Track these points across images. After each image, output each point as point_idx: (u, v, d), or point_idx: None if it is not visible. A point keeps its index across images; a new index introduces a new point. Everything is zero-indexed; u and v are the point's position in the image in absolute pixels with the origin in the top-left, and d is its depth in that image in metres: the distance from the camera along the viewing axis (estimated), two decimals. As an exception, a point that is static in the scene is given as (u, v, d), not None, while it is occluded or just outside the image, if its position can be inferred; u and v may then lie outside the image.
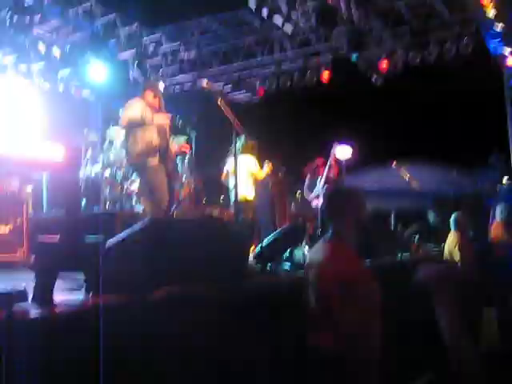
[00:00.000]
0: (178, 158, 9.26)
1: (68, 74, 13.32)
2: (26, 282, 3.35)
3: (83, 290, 3.59)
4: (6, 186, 8.66)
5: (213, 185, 11.47)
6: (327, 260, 3.76)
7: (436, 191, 12.16)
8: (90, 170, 10.27)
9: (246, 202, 9.23)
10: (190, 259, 3.89)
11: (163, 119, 6.83)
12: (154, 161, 6.64)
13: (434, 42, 12.83)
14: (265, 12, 10.88)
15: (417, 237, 8.96)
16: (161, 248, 3.75)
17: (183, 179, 10.02)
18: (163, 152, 6.76)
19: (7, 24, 11.06)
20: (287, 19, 11.36)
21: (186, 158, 10.54)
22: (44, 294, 3.14)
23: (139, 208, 9.18)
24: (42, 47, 12.21)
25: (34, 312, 2.87)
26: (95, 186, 10.15)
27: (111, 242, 4.03)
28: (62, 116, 12.79)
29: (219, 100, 6.38)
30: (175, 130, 9.34)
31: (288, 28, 11.73)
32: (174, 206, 6.19)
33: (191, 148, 9.44)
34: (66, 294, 3.52)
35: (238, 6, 12.25)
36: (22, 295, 2.93)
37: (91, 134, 11.22)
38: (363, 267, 3.89)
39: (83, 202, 9.91)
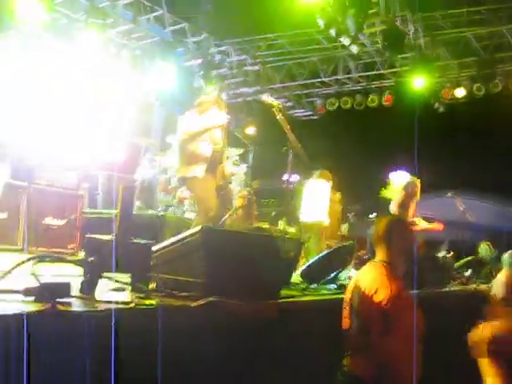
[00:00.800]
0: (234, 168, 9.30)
1: (135, 77, 13.57)
2: (74, 276, 3.43)
3: (129, 290, 3.65)
4: (64, 182, 8.89)
5: (268, 198, 11.52)
6: (372, 285, 3.74)
7: (491, 225, 11.93)
8: (146, 173, 10.44)
9: (312, 224, 9.51)
10: (237, 270, 3.92)
11: (220, 119, 6.71)
12: (199, 171, 6.60)
13: (500, 74, 12.65)
14: (333, 32, 10.87)
15: (468, 270, 8.79)
16: (209, 257, 3.79)
17: (237, 190, 10.07)
18: (212, 164, 6.70)
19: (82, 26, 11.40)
20: (354, 40, 11.33)
21: (243, 169, 10.64)
22: (88, 290, 3.21)
23: (191, 215, 9.30)
24: (112, 50, 12.48)
25: (76, 307, 2.93)
26: (150, 189, 10.32)
27: (161, 246, 4.09)
28: (125, 118, 13.06)
29: (278, 115, 6.41)
30: (233, 142, 9.44)
31: (354, 49, 11.70)
32: (226, 216, 6.21)
33: (246, 160, 9.54)
34: (111, 293, 3.58)
35: (307, 25, 12.29)
36: (65, 289, 2.99)
37: (152, 138, 11.44)
38: (408, 296, 3.84)
39: (137, 203, 10.07)
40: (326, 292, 5.29)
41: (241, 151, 10.42)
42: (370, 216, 14.96)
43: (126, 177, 10.94)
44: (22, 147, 10.16)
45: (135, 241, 3.79)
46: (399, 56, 12.45)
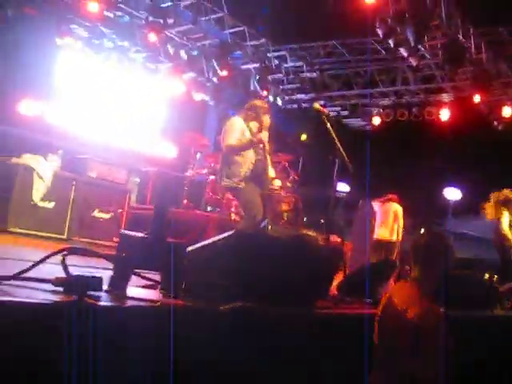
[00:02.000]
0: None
1: (191, 77, 13.72)
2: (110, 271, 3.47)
3: (158, 289, 3.67)
4: (114, 176, 9.08)
5: (315, 206, 11.44)
6: (403, 303, 3.66)
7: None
8: (196, 173, 10.53)
9: (383, 241, 10.74)
10: (270, 276, 3.89)
11: (261, 139, 6.65)
12: (242, 183, 6.53)
13: None
14: (392, 42, 10.75)
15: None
16: (240, 261, 3.78)
17: (283, 195, 10.01)
18: (255, 173, 6.60)
19: (143, 23, 11.62)
20: (413, 52, 11.16)
21: (291, 175, 10.61)
22: (118, 286, 3.24)
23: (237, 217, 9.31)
24: (171, 49, 12.68)
25: (104, 302, 2.96)
26: (199, 188, 10.40)
27: (195, 246, 4.09)
28: (179, 117, 13.23)
29: (327, 123, 6.35)
30: (284, 148, 9.39)
31: (413, 61, 11.53)
32: (266, 221, 6.16)
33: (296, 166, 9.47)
34: (140, 290, 3.61)
35: (366, 34, 12.21)
36: (97, 283, 3.02)
37: (204, 138, 11.53)
38: (439, 316, 3.74)
39: (185, 202, 10.16)
40: (360, 306, 5.22)
41: (290, 158, 10.40)
42: (421, 231, 14.70)
43: (176, 174, 11.05)
44: (75, 141, 10.42)
45: (169, 240, 3.82)
46: (459, 70, 12.20)
